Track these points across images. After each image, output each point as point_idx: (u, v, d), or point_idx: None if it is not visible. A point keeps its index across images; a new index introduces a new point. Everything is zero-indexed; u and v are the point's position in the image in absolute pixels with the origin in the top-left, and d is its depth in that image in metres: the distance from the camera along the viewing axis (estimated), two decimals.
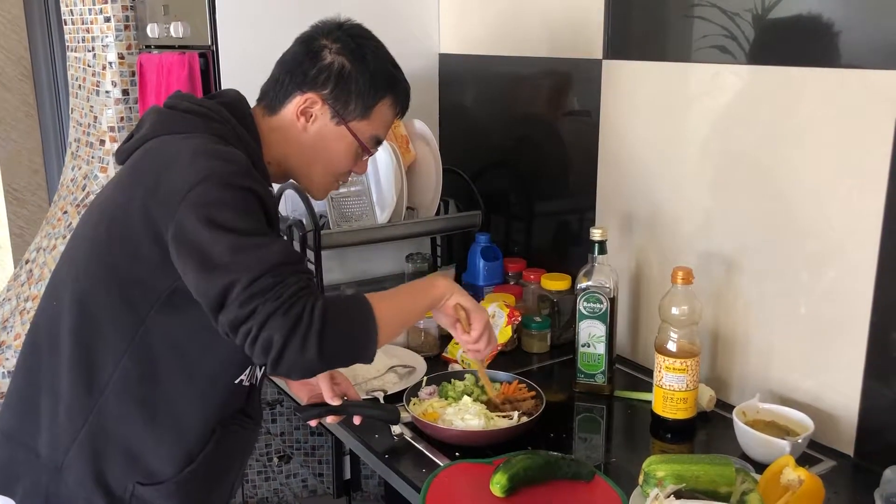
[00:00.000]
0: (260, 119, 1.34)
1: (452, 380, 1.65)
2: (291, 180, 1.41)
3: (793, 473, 1.21)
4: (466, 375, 1.65)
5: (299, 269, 1.13)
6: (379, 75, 1.34)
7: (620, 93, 1.83)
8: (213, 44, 2.09)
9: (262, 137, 1.32)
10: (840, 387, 1.46)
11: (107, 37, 2.59)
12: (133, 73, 2.58)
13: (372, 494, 1.79)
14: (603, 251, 1.66)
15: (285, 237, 1.97)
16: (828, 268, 1.45)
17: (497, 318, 1.82)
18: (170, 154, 1.19)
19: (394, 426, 1.51)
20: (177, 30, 2.20)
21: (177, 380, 1.23)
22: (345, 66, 1.32)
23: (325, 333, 1.09)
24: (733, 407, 1.49)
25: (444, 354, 1.86)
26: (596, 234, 1.65)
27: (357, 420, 1.47)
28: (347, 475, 1.77)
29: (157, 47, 2.46)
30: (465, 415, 1.50)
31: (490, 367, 1.73)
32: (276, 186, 1.54)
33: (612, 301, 1.66)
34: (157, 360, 1.21)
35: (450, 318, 1.35)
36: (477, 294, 2.07)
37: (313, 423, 1.48)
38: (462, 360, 1.80)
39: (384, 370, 1.74)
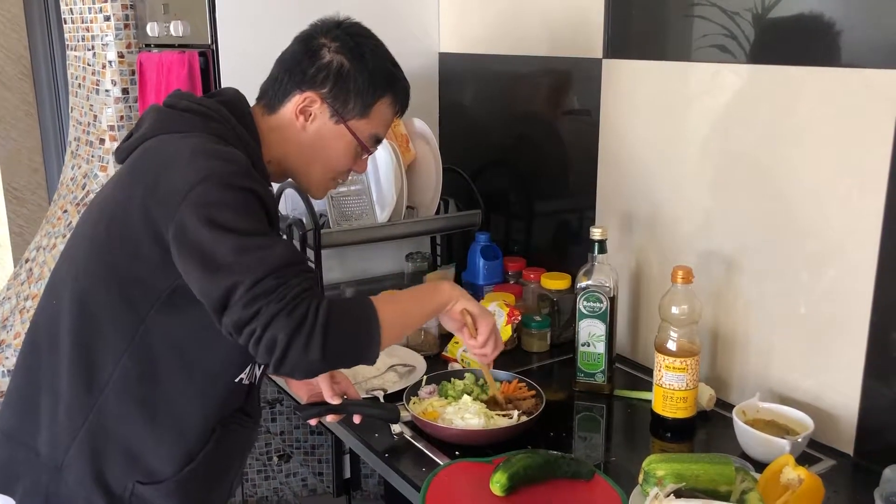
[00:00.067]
0: (259, 118, 1.34)
1: (452, 379, 1.65)
2: (291, 179, 1.41)
3: (792, 472, 1.21)
4: (466, 374, 1.65)
5: (302, 269, 1.13)
6: (378, 74, 1.34)
7: (620, 92, 1.83)
8: (212, 43, 2.09)
9: (261, 136, 1.32)
10: (840, 386, 1.46)
11: (107, 35, 2.59)
12: (133, 72, 2.58)
13: (372, 493, 1.79)
14: (603, 250, 1.66)
15: (285, 236, 1.97)
16: (828, 267, 1.45)
17: (497, 317, 1.82)
18: (169, 153, 1.18)
19: (394, 425, 1.51)
20: (177, 29, 2.20)
21: (177, 379, 1.23)
22: (344, 64, 1.31)
23: (329, 334, 1.09)
24: (733, 406, 1.49)
25: (443, 353, 1.86)
26: (596, 233, 1.65)
27: (357, 419, 1.47)
28: (347, 474, 1.77)
29: (157, 46, 2.46)
30: (464, 414, 1.50)
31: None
32: (275, 186, 1.54)
33: (612, 300, 1.66)
34: (157, 360, 1.21)
35: (457, 323, 1.35)
36: (477, 293, 2.07)
37: (313, 421, 1.48)
38: (462, 360, 1.80)
39: (384, 369, 1.75)
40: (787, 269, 1.52)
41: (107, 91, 2.62)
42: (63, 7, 2.89)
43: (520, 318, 1.87)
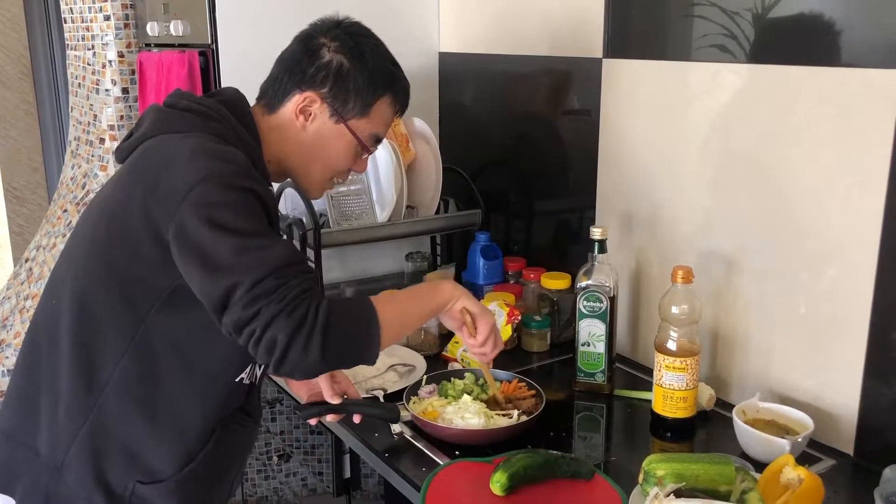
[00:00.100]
0: (259, 118, 1.34)
1: (452, 378, 1.65)
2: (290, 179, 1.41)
3: (792, 472, 1.21)
4: (466, 374, 1.65)
5: (302, 269, 1.13)
6: (378, 73, 1.34)
7: (620, 91, 1.83)
8: (212, 42, 2.09)
9: (261, 136, 1.32)
10: (840, 386, 1.46)
11: (107, 35, 2.59)
12: (133, 72, 2.58)
13: (372, 493, 1.79)
14: (603, 250, 1.65)
15: (285, 236, 1.97)
16: (827, 267, 1.45)
17: (497, 316, 1.82)
18: (169, 153, 1.18)
19: (394, 425, 1.51)
20: (177, 28, 2.20)
21: (177, 379, 1.23)
22: (343, 64, 1.31)
23: (329, 335, 1.09)
24: (733, 406, 1.49)
25: (443, 353, 1.86)
26: (596, 232, 1.65)
27: (357, 419, 1.47)
28: (347, 474, 1.77)
29: (157, 45, 2.46)
30: (464, 413, 1.49)
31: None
32: (275, 185, 1.53)
33: (612, 300, 1.66)
34: (157, 359, 1.21)
35: (456, 322, 1.36)
36: (477, 293, 2.07)
37: (313, 421, 1.48)
38: (462, 360, 1.80)
39: (384, 369, 1.75)
40: (787, 269, 1.52)
41: (107, 90, 2.62)
42: (63, 6, 2.89)
43: (520, 317, 1.87)
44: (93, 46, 2.67)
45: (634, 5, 1.77)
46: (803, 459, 1.35)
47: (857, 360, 1.42)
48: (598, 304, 1.66)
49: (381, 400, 1.61)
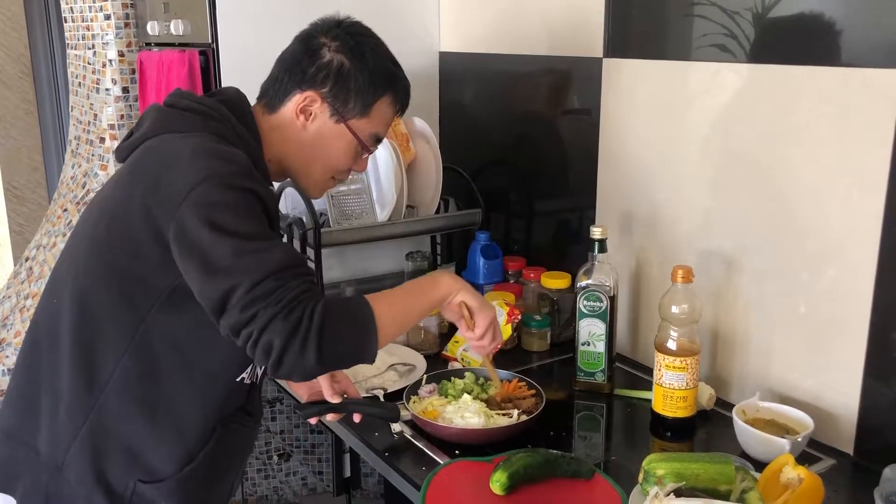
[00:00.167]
0: (260, 117, 1.34)
1: (452, 378, 1.65)
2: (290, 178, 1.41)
3: (792, 472, 1.21)
4: (466, 374, 1.65)
5: (301, 272, 1.13)
6: (378, 73, 1.34)
7: (620, 91, 1.83)
8: (213, 41, 2.09)
9: (262, 136, 1.32)
10: (840, 386, 1.46)
11: (107, 34, 2.58)
12: (133, 71, 2.58)
13: (372, 492, 1.79)
14: (603, 249, 1.66)
15: (285, 235, 1.97)
16: (827, 267, 1.45)
17: (497, 316, 1.82)
18: (170, 153, 1.18)
19: (394, 424, 1.51)
20: (177, 27, 2.20)
21: (177, 378, 1.23)
22: (344, 63, 1.31)
23: (324, 338, 1.09)
24: (733, 405, 1.49)
25: (443, 353, 1.86)
26: (596, 232, 1.65)
27: (357, 418, 1.47)
28: (347, 473, 1.77)
29: (158, 45, 2.46)
30: (464, 413, 1.50)
31: None
32: (275, 185, 1.53)
33: (612, 299, 1.66)
34: (158, 359, 1.21)
35: (455, 314, 1.35)
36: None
37: (313, 420, 1.48)
38: (462, 359, 1.80)
39: (384, 368, 1.75)
40: (787, 269, 1.52)
41: (107, 90, 2.62)
42: (63, 6, 2.89)
43: (520, 317, 1.87)
44: (93, 45, 2.67)
45: (635, 5, 1.77)
46: (803, 459, 1.35)
47: (857, 359, 1.42)
48: (598, 304, 1.66)
49: (382, 399, 1.61)
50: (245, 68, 1.93)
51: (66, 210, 2.89)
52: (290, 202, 2.07)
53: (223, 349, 1.22)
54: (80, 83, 2.85)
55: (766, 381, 1.59)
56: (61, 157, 3.82)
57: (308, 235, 1.93)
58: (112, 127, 2.63)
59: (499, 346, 1.43)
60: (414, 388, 1.62)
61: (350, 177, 1.66)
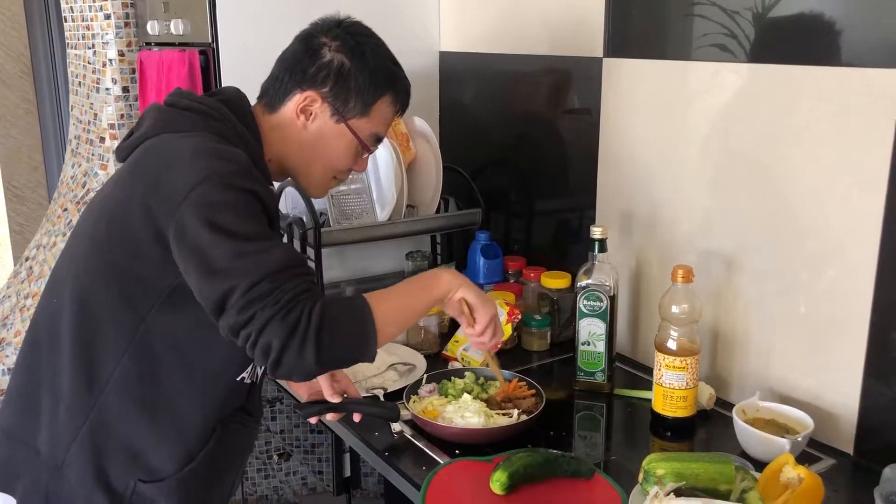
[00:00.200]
0: (260, 117, 1.34)
1: (452, 377, 1.65)
2: (290, 178, 1.41)
3: (792, 472, 1.21)
4: (466, 373, 1.65)
5: (300, 272, 1.13)
6: (378, 73, 1.34)
7: (621, 91, 1.83)
8: (213, 41, 2.09)
9: (262, 135, 1.32)
10: (840, 385, 1.46)
11: (107, 34, 2.58)
12: (133, 71, 2.58)
13: (372, 492, 1.79)
14: (603, 249, 1.66)
15: (285, 235, 1.97)
16: (827, 267, 1.45)
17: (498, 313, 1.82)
18: (170, 152, 1.18)
19: (394, 424, 1.51)
20: (177, 27, 2.20)
21: (177, 378, 1.23)
22: (344, 63, 1.31)
23: (323, 338, 1.10)
24: (733, 405, 1.49)
25: (444, 352, 1.86)
26: (596, 232, 1.65)
27: (357, 417, 1.47)
28: (347, 473, 1.77)
29: (158, 44, 2.46)
30: (464, 412, 1.50)
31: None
32: (276, 184, 1.53)
33: (612, 299, 1.66)
34: (158, 358, 1.21)
35: (456, 311, 1.35)
36: None
37: (313, 420, 1.48)
38: (462, 359, 1.80)
39: (384, 368, 1.75)
40: (787, 269, 1.52)
41: (107, 89, 2.62)
42: (63, 5, 2.89)
43: (520, 316, 1.87)
44: (93, 45, 2.67)
45: (635, 5, 1.77)
46: (803, 459, 1.35)
47: (857, 359, 1.42)
48: (598, 304, 1.66)
49: (381, 399, 1.61)
50: (245, 68, 1.93)
51: (66, 209, 2.89)
52: (290, 202, 2.07)
53: (223, 349, 1.22)
54: (80, 82, 2.85)
55: (766, 381, 1.59)
56: (61, 156, 3.82)
57: (308, 235, 1.93)
58: (112, 126, 2.63)
59: (500, 343, 1.42)
60: (414, 388, 1.62)
61: (350, 176, 1.66)
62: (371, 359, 1.17)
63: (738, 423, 1.43)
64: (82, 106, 2.84)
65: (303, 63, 1.32)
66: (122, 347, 1.20)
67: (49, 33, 3.96)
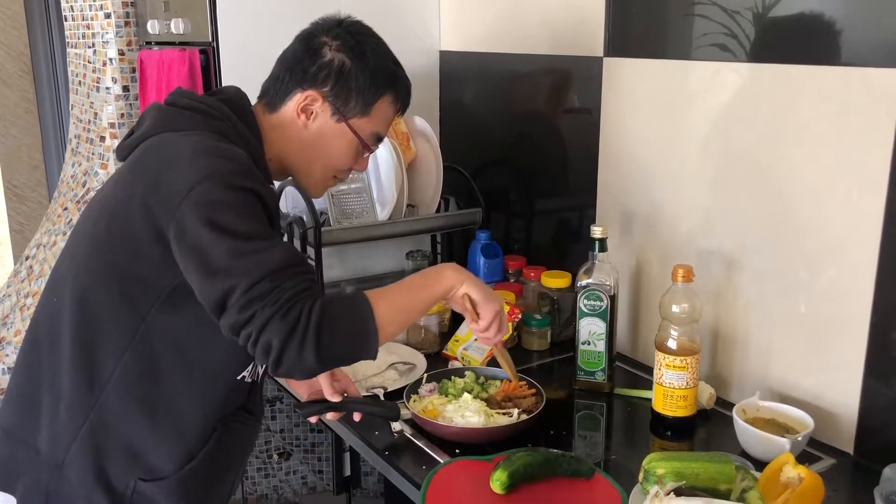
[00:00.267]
0: (260, 116, 1.34)
1: (452, 377, 1.65)
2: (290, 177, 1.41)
3: (793, 471, 1.21)
4: (466, 373, 1.65)
5: (299, 271, 1.13)
6: (379, 72, 1.34)
7: (621, 90, 1.83)
8: (213, 40, 2.09)
9: (262, 135, 1.32)
10: (840, 385, 1.46)
11: (107, 33, 2.58)
12: (133, 70, 2.58)
13: (372, 491, 1.79)
14: (603, 249, 1.66)
15: (285, 234, 1.97)
16: (828, 266, 1.45)
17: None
18: (171, 151, 1.18)
19: (394, 423, 1.51)
20: (177, 26, 2.20)
21: (177, 377, 1.23)
22: (345, 63, 1.31)
23: (322, 337, 1.10)
24: (733, 405, 1.49)
25: (444, 352, 1.86)
26: (596, 231, 1.65)
27: (357, 417, 1.47)
28: (347, 472, 1.77)
29: (158, 44, 2.46)
30: (465, 412, 1.50)
31: (490, 364, 1.73)
32: (276, 184, 1.53)
33: (613, 299, 1.66)
34: (158, 358, 1.21)
35: (460, 307, 1.35)
36: None
37: (313, 419, 1.48)
38: (462, 358, 1.80)
39: (384, 367, 1.75)
40: (787, 269, 1.52)
41: (107, 88, 2.62)
42: (63, 4, 2.89)
43: (520, 316, 1.87)
44: (93, 44, 2.67)
45: (635, 4, 1.77)
46: (803, 458, 1.35)
47: (857, 359, 1.42)
48: (598, 303, 1.66)
49: (382, 398, 1.61)
50: (245, 67, 1.93)
51: (66, 209, 2.89)
52: (290, 201, 2.07)
53: (223, 348, 1.23)
54: (80, 82, 2.85)
55: (766, 381, 1.59)
56: (61, 155, 3.82)
57: (308, 234, 1.93)
58: (112, 125, 2.63)
59: (500, 340, 1.42)
60: (414, 387, 1.62)
61: (350, 176, 1.66)
62: (373, 356, 1.17)
63: (739, 423, 1.43)
64: (82, 105, 2.84)
65: (303, 62, 1.32)
66: (123, 346, 1.20)
67: (49, 32, 3.96)
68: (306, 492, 1.99)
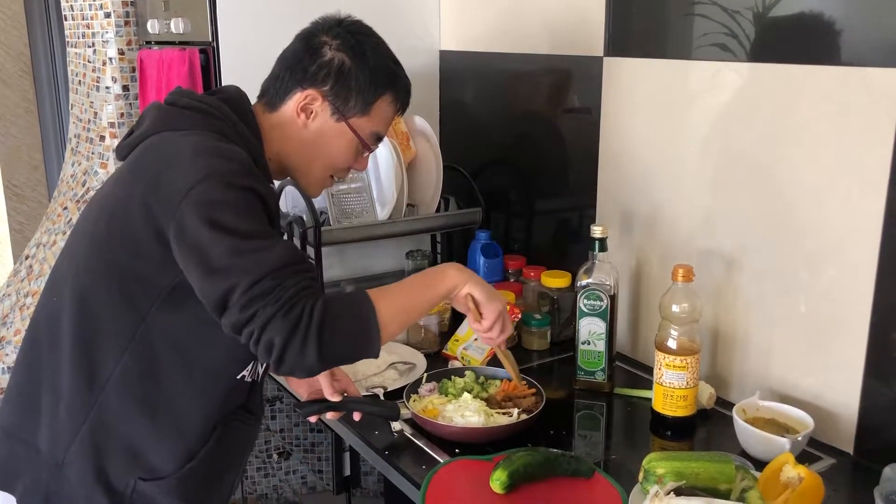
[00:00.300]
0: (260, 116, 1.34)
1: (452, 376, 1.65)
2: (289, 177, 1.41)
3: (792, 471, 1.21)
4: (466, 372, 1.65)
5: (300, 269, 1.13)
6: (379, 72, 1.34)
7: (621, 90, 1.83)
8: (213, 40, 2.09)
9: (262, 134, 1.32)
10: (840, 385, 1.46)
11: (107, 32, 2.58)
12: (133, 69, 2.58)
13: (371, 491, 1.79)
14: (603, 248, 1.66)
15: (285, 234, 1.97)
16: (827, 266, 1.45)
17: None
18: (171, 151, 1.18)
19: (394, 423, 1.51)
20: (177, 26, 2.20)
21: (178, 376, 1.23)
22: (345, 62, 1.31)
23: (324, 335, 1.10)
24: (733, 404, 1.49)
25: (444, 351, 1.86)
26: (596, 231, 1.65)
27: (357, 416, 1.47)
28: (347, 472, 1.77)
29: (158, 43, 2.46)
30: (464, 411, 1.50)
31: (490, 363, 1.73)
32: (276, 183, 1.53)
33: (613, 298, 1.66)
34: (158, 357, 1.21)
35: (463, 306, 1.35)
36: None
37: (313, 419, 1.48)
38: (462, 357, 1.80)
39: (384, 367, 1.75)
40: (787, 268, 1.52)
41: (107, 88, 2.62)
42: (63, 4, 2.89)
43: (520, 316, 1.87)
44: (93, 44, 2.67)
45: (635, 4, 1.77)
46: (803, 458, 1.35)
47: (857, 359, 1.42)
48: (598, 303, 1.66)
49: (381, 398, 1.61)
50: (245, 67, 1.93)
51: (66, 208, 2.89)
52: (290, 201, 2.07)
53: (223, 347, 1.23)
54: (80, 81, 2.85)
55: (766, 381, 1.59)
56: (61, 155, 3.82)
57: (308, 234, 1.93)
58: (112, 125, 2.63)
59: (504, 340, 1.41)
60: (414, 387, 1.62)
61: (350, 175, 1.66)
62: (375, 355, 1.17)
63: (739, 423, 1.43)
64: (82, 104, 2.84)
65: (303, 62, 1.32)
66: (123, 346, 1.20)
67: (49, 32, 3.96)
68: (306, 491, 1.99)
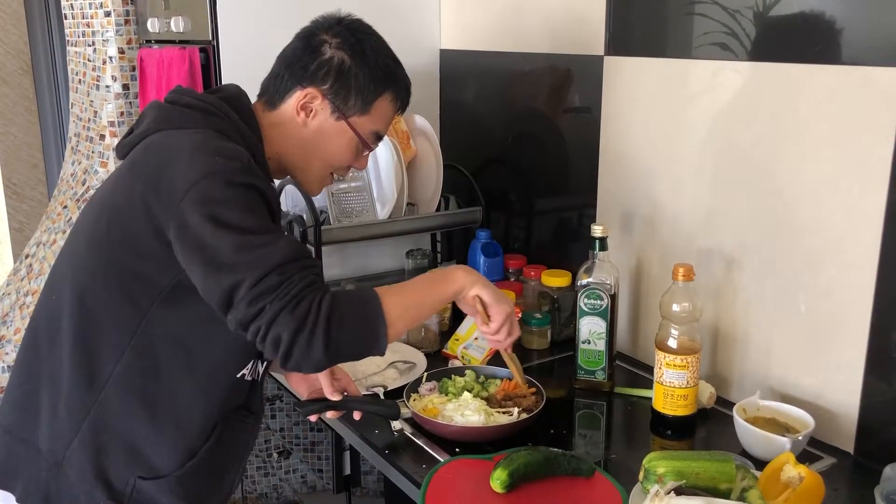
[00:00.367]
0: (260, 114, 1.34)
1: (453, 375, 1.65)
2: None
3: (793, 470, 1.21)
4: (466, 371, 1.65)
5: (306, 264, 1.13)
6: (379, 70, 1.33)
7: (621, 89, 1.83)
8: (213, 38, 2.09)
9: (262, 132, 1.32)
10: (840, 384, 1.46)
11: (107, 31, 2.58)
12: (133, 68, 2.58)
13: (371, 490, 1.79)
14: (604, 248, 1.66)
15: (285, 233, 1.96)
16: (828, 265, 1.45)
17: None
18: (171, 149, 1.18)
19: (394, 422, 1.51)
20: (177, 24, 2.20)
21: (178, 375, 1.23)
22: (345, 61, 1.31)
23: (332, 330, 1.10)
24: (733, 404, 1.49)
25: (444, 350, 1.86)
26: (597, 230, 1.65)
27: (357, 416, 1.47)
28: (347, 471, 1.77)
29: (158, 42, 2.46)
30: (465, 411, 1.49)
31: (490, 363, 1.73)
32: (276, 182, 1.53)
33: (613, 298, 1.66)
34: (158, 356, 1.21)
35: (470, 308, 1.35)
36: None
37: (313, 418, 1.48)
38: (462, 357, 1.80)
39: (384, 366, 1.75)
40: (788, 268, 1.52)
41: (107, 87, 2.62)
42: (63, 3, 2.89)
43: (520, 315, 1.87)
44: (93, 42, 2.67)
45: (636, 3, 1.77)
46: (804, 457, 1.35)
47: (857, 358, 1.42)
48: (598, 302, 1.66)
49: (382, 397, 1.61)
50: (245, 65, 1.93)
51: (65, 207, 2.89)
52: (290, 200, 2.07)
53: (223, 345, 1.23)
54: (80, 80, 2.84)
55: (766, 380, 1.59)
56: (61, 154, 3.82)
57: (308, 233, 1.93)
58: (112, 124, 2.63)
59: (513, 341, 1.41)
60: (414, 386, 1.62)
61: (350, 174, 1.66)
62: (381, 352, 1.17)
63: (739, 422, 1.43)
64: (82, 103, 2.84)
65: (303, 60, 1.32)
66: (123, 345, 1.20)
67: (49, 30, 3.96)
68: (306, 490, 1.99)
